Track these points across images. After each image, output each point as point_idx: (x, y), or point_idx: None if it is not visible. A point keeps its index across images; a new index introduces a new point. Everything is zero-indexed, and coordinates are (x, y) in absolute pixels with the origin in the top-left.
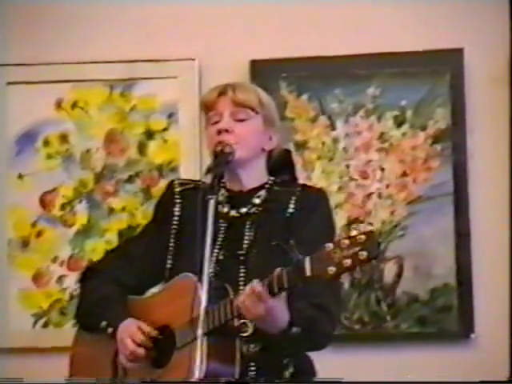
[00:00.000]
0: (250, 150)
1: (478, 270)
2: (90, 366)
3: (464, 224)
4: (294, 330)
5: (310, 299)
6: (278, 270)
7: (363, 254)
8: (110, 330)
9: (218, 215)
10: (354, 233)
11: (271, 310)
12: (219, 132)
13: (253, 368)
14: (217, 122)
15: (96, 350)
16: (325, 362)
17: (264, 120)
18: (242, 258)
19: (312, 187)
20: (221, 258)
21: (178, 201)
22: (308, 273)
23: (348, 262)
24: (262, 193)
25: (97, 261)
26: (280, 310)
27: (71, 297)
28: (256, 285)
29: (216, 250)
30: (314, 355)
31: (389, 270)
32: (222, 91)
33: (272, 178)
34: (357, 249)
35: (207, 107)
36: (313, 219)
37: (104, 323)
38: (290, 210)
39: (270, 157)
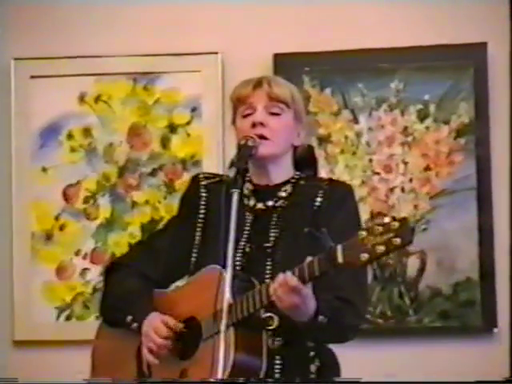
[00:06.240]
0: (281, 145)
1: (500, 265)
2: (113, 360)
3: (487, 218)
4: (321, 318)
5: (336, 292)
6: (309, 258)
7: (397, 241)
8: (134, 325)
9: (244, 208)
10: (387, 219)
11: (305, 298)
12: (254, 125)
13: (278, 361)
14: (249, 115)
15: (119, 343)
16: (347, 355)
17: (294, 115)
18: (268, 250)
19: (339, 182)
20: (247, 250)
21: (203, 194)
22: (340, 260)
23: (381, 248)
24: (288, 187)
25: (121, 255)
26: (310, 298)
27: (94, 290)
28: (290, 278)
29: (242, 243)
30: (336, 349)
31: (412, 264)
32: (257, 84)
33: (297, 173)
34: (390, 235)
35: (240, 100)
36: (341, 212)
37: (129, 318)
38: (317, 203)
39: (294, 152)
